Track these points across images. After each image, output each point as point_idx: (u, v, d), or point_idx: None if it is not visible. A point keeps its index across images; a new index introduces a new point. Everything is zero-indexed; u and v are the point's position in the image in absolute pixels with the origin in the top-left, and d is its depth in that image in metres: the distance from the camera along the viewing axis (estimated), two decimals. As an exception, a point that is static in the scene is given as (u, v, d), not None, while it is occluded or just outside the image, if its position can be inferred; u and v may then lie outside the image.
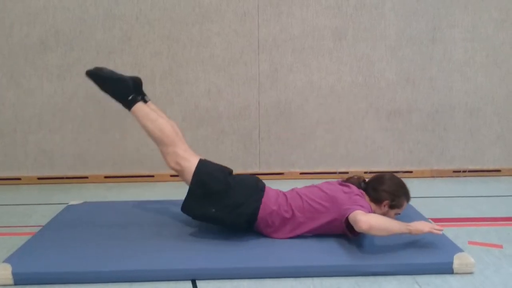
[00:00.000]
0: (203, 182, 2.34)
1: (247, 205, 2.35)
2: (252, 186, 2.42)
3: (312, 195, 2.41)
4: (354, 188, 2.45)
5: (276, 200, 2.39)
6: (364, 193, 2.46)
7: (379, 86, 3.75)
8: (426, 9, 3.65)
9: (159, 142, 2.43)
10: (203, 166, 2.39)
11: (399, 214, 2.51)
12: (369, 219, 2.13)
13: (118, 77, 2.46)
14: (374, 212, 2.42)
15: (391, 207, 2.45)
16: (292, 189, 2.53)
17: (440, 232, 2.21)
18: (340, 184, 2.52)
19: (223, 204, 2.33)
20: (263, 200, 2.37)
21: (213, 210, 2.33)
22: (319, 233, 2.39)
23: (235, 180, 2.41)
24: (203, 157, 2.49)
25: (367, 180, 2.57)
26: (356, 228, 2.15)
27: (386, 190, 2.44)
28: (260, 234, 2.42)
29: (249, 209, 2.35)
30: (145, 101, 2.55)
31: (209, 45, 3.65)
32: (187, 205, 2.38)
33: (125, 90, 2.45)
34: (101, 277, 2.09)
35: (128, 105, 2.45)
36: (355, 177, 2.59)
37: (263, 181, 2.54)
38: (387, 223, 2.17)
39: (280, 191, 2.49)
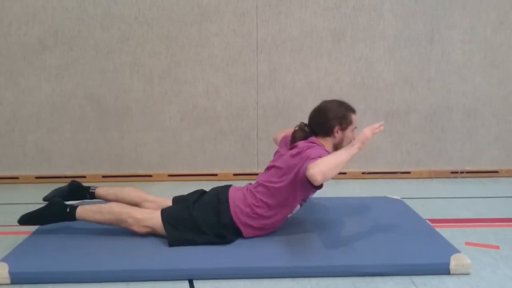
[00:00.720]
0: (175, 227, 2.34)
1: (220, 223, 2.35)
2: (215, 204, 2.40)
3: (272, 177, 2.39)
4: (301, 143, 2.40)
5: (245, 201, 2.39)
6: (313, 138, 2.42)
7: (377, 87, 3.76)
8: (424, 10, 3.66)
9: (119, 223, 2.41)
10: (166, 215, 2.38)
11: (356, 127, 2.47)
12: (318, 168, 2.03)
13: (44, 208, 2.45)
14: (333, 144, 2.41)
15: (343, 129, 2.42)
16: (256, 181, 2.50)
17: (382, 127, 2.19)
18: (290, 148, 2.47)
19: (201, 232, 2.34)
20: (231, 208, 2.37)
21: (199, 240, 2.34)
22: (297, 205, 2.39)
23: (199, 207, 2.40)
24: (170, 203, 2.53)
25: (308, 121, 2.52)
26: (315, 183, 2.08)
27: (329, 118, 2.42)
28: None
29: (225, 224, 2.35)
30: (93, 191, 2.64)
31: (207, 45, 3.65)
32: (174, 244, 2.34)
33: (60, 210, 2.43)
34: (98, 277, 2.09)
35: (72, 216, 2.43)
36: (296, 128, 2.53)
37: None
38: (334, 159, 2.11)
39: (246, 188, 2.47)
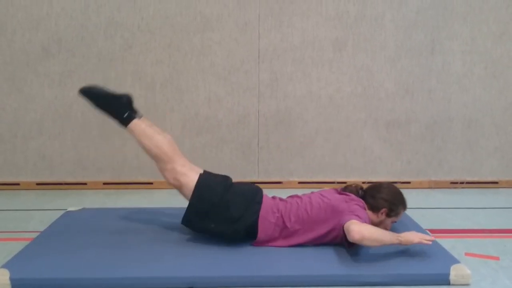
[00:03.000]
0: (202, 197, 2.35)
1: (244, 219, 2.35)
2: (249, 199, 2.40)
3: (312, 204, 2.41)
4: (353, 196, 2.46)
5: (274, 212, 2.39)
6: (362, 201, 2.47)
7: (378, 96, 3.78)
8: (425, 21, 3.68)
9: (157, 159, 2.43)
10: (203, 180, 2.40)
11: (395, 222, 2.53)
12: (361, 230, 2.14)
13: (112, 94, 2.47)
14: (371, 220, 2.43)
15: (389, 215, 2.47)
16: (292, 197, 2.53)
17: (430, 243, 2.21)
18: (339, 193, 2.53)
19: (222, 219, 2.34)
20: (261, 213, 2.37)
21: (212, 225, 2.36)
22: (318, 243, 2.39)
23: (234, 193, 2.41)
24: (201, 171, 2.49)
25: (364, 188, 2.58)
26: (349, 238, 2.16)
27: (384, 198, 2.46)
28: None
29: (247, 222, 2.36)
30: (139, 118, 2.57)
31: (210, 54, 3.67)
32: (187, 219, 2.40)
33: (121, 107, 2.46)
34: (99, 284, 2.09)
35: (125, 122, 2.46)
36: (353, 185, 2.60)
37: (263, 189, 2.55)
38: (379, 234, 2.19)
39: (279, 201, 2.49)
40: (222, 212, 2.34)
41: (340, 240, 2.34)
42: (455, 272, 2.14)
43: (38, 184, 3.77)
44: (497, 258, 2.45)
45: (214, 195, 2.36)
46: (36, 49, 3.61)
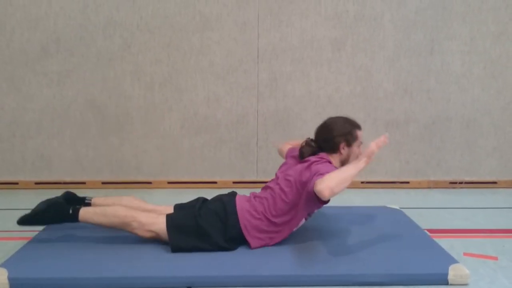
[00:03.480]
0: (179, 234, 2.35)
1: (228, 233, 2.36)
2: (222, 214, 2.39)
3: (284, 190, 2.39)
4: (311, 158, 2.42)
5: (253, 215, 2.39)
6: (319, 156, 2.43)
7: (377, 96, 3.78)
8: (424, 21, 3.69)
9: (123, 226, 2.40)
10: (171, 221, 2.38)
11: (362, 143, 2.49)
12: (325, 184, 2.06)
13: (48, 204, 2.42)
14: (340, 160, 2.44)
15: (349, 145, 2.44)
16: (265, 188, 2.52)
17: (386, 141, 2.19)
18: (298, 161, 2.49)
19: (209, 242, 2.35)
20: (240, 222, 2.37)
21: (206, 246, 2.35)
22: (312, 213, 2.44)
23: (206, 216, 2.39)
24: (169, 210, 2.51)
25: (313, 138, 2.54)
26: (323, 198, 2.11)
27: (334, 135, 2.44)
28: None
29: (232, 235, 2.37)
30: (89, 202, 2.58)
31: (209, 53, 3.67)
32: (178, 251, 2.36)
33: (62, 210, 2.41)
34: (97, 283, 2.09)
35: (75, 217, 2.41)
36: (303, 143, 2.54)
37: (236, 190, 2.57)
38: (341, 174, 2.14)
39: (254, 200, 2.46)
40: (205, 239, 2.35)
41: (317, 203, 2.31)
42: (454, 272, 2.14)
43: (36, 183, 3.77)
44: (495, 258, 2.45)
45: (188, 228, 2.35)
46: (35, 49, 3.61)
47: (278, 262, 2.26)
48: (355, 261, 2.25)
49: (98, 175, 3.80)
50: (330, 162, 2.39)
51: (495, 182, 3.91)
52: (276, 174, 2.58)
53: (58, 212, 2.41)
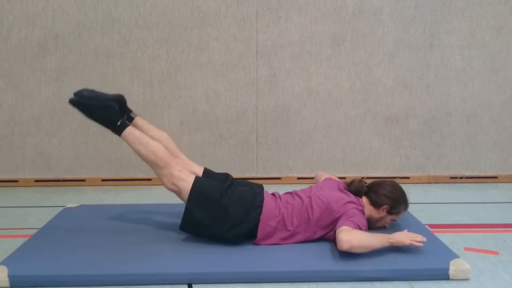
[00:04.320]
0: (198, 204, 2.33)
1: (244, 224, 2.34)
2: (249, 203, 2.36)
3: (313, 207, 2.38)
4: (353, 197, 2.44)
5: (276, 216, 2.37)
6: (362, 203, 2.46)
7: (376, 92, 3.77)
8: (423, 16, 3.67)
9: (153, 165, 2.39)
10: (198, 186, 2.36)
11: (395, 220, 2.53)
12: (350, 239, 2.14)
13: (103, 102, 2.37)
14: (371, 216, 2.45)
15: (389, 212, 2.48)
16: (293, 195, 2.49)
17: (421, 244, 2.22)
18: (340, 189, 2.51)
19: (220, 224, 2.32)
20: (261, 218, 2.35)
21: (211, 231, 2.34)
22: (314, 240, 2.41)
23: (232, 197, 2.36)
24: (201, 171, 2.49)
25: (368, 183, 2.57)
26: (338, 246, 2.17)
27: (387, 196, 2.46)
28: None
29: (247, 228, 2.34)
30: (133, 118, 2.52)
31: (207, 49, 3.66)
32: (185, 225, 2.38)
33: (113, 116, 2.38)
34: (97, 281, 2.09)
35: (118, 131, 2.39)
36: (357, 181, 2.56)
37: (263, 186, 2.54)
38: (368, 240, 2.20)
39: (280, 201, 2.43)
40: (220, 218, 2.32)
41: (334, 239, 2.33)
42: (455, 267, 2.14)
43: (36, 181, 3.76)
44: (496, 253, 2.45)
45: (210, 200, 2.33)
46: (32, 46, 3.59)
47: (279, 258, 2.26)
48: (355, 257, 2.24)
49: (97, 172, 3.79)
50: (363, 212, 2.41)
51: (495, 177, 3.91)
52: (311, 187, 2.55)
53: (108, 117, 2.36)
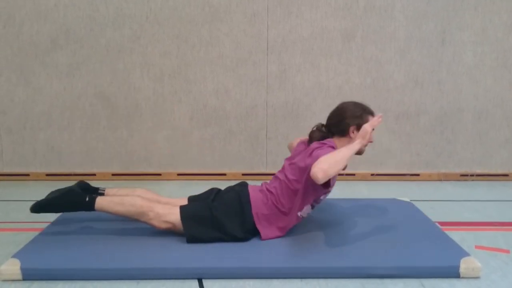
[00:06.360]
0: (194, 223, 2.36)
1: (243, 224, 2.38)
2: (236, 205, 2.41)
3: (289, 178, 2.40)
4: (314, 144, 2.38)
5: (265, 203, 2.41)
6: (321, 142, 2.39)
7: (387, 88, 3.75)
8: (435, 11, 3.64)
9: (139, 216, 2.40)
10: (185, 210, 2.39)
11: (373, 129, 2.41)
12: (319, 167, 2.03)
13: (63, 191, 2.41)
14: (348, 144, 2.33)
15: (359, 128, 2.36)
16: (275, 177, 2.52)
17: (380, 119, 2.19)
18: (304, 148, 2.49)
19: (222, 233, 2.36)
20: (253, 211, 2.39)
21: (218, 240, 2.36)
22: (310, 202, 2.40)
23: (220, 207, 2.40)
24: (184, 202, 2.52)
25: (325, 123, 2.52)
26: (318, 182, 2.07)
27: (345, 118, 2.41)
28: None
29: (248, 226, 2.38)
30: (102, 192, 2.57)
31: (218, 45, 3.66)
32: (192, 242, 2.37)
33: (79, 196, 2.40)
34: (108, 274, 2.11)
35: (90, 205, 2.40)
36: (314, 129, 2.52)
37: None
38: (336, 156, 2.10)
39: (266, 190, 2.47)
40: (219, 229, 2.36)
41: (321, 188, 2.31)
42: (465, 265, 2.13)
43: (47, 175, 3.79)
44: (507, 251, 2.43)
45: (202, 219, 2.36)
46: (44, 41, 3.61)
47: (287, 254, 2.26)
48: (365, 254, 2.24)
49: (108, 167, 3.81)
50: (333, 147, 2.32)
51: (506, 175, 3.87)
52: (284, 162, 2.57)
53: (74, 200, 2.40)
